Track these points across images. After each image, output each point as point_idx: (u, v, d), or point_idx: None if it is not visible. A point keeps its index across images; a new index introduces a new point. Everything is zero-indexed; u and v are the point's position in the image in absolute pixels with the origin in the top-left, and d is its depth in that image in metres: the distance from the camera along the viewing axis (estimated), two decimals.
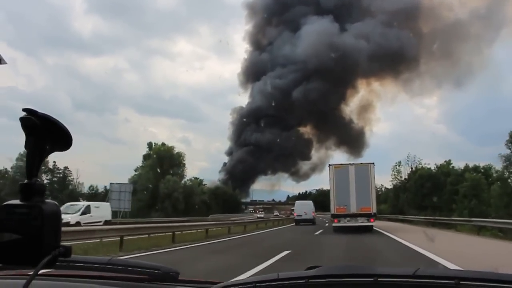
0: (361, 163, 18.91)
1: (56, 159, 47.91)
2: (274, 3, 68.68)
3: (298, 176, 77.47)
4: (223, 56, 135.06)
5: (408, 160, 48.77)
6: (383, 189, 61.84)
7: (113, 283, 1.16)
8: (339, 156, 74.09)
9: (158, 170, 44.09)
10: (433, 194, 42.28)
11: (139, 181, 44.26)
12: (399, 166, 49.43)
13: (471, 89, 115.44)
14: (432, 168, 46.20)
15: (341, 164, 19.06)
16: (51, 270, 1.12)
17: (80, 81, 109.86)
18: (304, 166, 73.80)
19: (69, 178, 51.37)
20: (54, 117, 0.81)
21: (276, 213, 54.14)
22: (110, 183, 32.44)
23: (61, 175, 50.55)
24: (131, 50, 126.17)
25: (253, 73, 69.92)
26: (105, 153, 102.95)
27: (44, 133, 0.78)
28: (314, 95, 62.74)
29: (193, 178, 51.66)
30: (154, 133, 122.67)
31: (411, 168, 48.26)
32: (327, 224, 26.28)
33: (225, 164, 75.90)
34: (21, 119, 0.78)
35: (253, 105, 68.50)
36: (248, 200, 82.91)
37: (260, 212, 46.68)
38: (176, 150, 48.93)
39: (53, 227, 0.75)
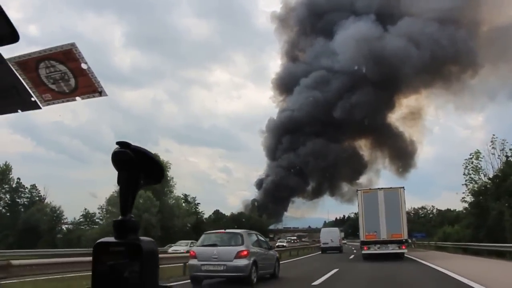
0: (391, 187, 18.44)
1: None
2: (307, 11, 60.95)
3: (344, 199, 67.71)
4: (260, 83, 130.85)
5: (493, 147, 28.47)
6: (434, 211, 48.30)
7: None
8: (386, 177, 63.09)
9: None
10: None
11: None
12: (476, 159, 29.25)
13: None
14: None
15: (370, 189, 19.31)
16: None
17: (121, 114, 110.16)
18: (350, 189, 63.99)
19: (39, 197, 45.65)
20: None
21: (282, 243, 43.89)
22: None
23: (28, 195, 44.69)
24: (169, 81, 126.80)
25: (287, 85, 62.29)
26: None
27: (138, 166, 0.74)
28: (358, 109, 53.87)
29: (181, 196, 42.86)
30: (194, 163, 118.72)
31: (506, 156, 27.92)
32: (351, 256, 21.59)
33: (260, 182, 66.50)
34: (115, 153, 0.73)
35: (288, 116, 59.75)
36: (280, 227, 73.33)
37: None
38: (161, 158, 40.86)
39: (151, 266, 0.72)
